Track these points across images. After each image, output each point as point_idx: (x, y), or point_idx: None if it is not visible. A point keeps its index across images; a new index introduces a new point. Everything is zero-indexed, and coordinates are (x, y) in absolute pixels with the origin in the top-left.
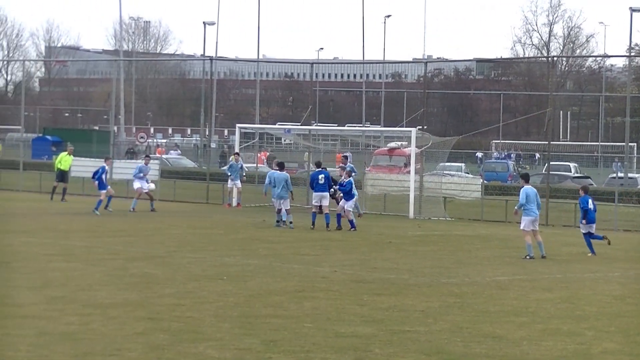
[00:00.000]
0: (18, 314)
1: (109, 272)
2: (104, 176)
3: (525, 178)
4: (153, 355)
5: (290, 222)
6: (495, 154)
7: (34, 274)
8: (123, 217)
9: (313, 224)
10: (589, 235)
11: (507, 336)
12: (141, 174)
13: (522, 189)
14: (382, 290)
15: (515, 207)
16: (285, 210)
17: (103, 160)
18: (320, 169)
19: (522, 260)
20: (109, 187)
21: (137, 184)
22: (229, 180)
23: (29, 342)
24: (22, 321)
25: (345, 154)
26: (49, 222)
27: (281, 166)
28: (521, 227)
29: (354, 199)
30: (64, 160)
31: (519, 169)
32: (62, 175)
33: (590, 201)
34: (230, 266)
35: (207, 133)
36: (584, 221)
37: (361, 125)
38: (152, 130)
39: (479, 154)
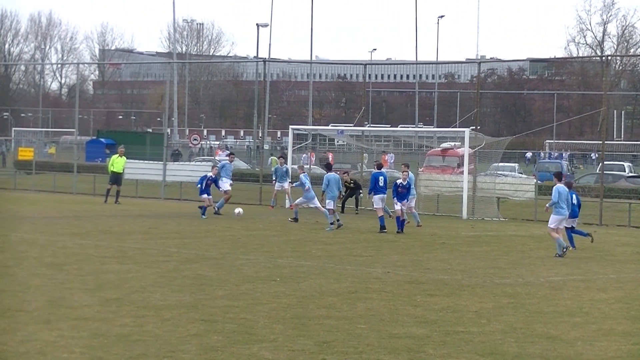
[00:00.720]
0: (72, 315)
1: (162, 274)
2: (206, 182)
3: (558, 177)
4: (207, 356)
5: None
6: (543, 154)
7: (88, 276)
8: (175, 220)
9: (383, 227)
10: (570, 230)
11: (561, 336)
12: (229, 173)
13: (554, 187)
14: (436, 291)
15: (547, 205)
16: (328, 210)
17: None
18: (380, 171)
19: (576, 259)
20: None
21: (226, 185)
22: (276, 183)
23: (83, 344)
24: (76, 323)
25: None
26: (103, 225)
27: (329, 167)
28: (549, 225)
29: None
30: (116, 162)
31: (573, 168)
32: (116, 178)
33: (574, 196)
34: (283, 268)
35: (260, 135)
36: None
37: (414, 125)
38: (205, 132)
39: (529, 154)
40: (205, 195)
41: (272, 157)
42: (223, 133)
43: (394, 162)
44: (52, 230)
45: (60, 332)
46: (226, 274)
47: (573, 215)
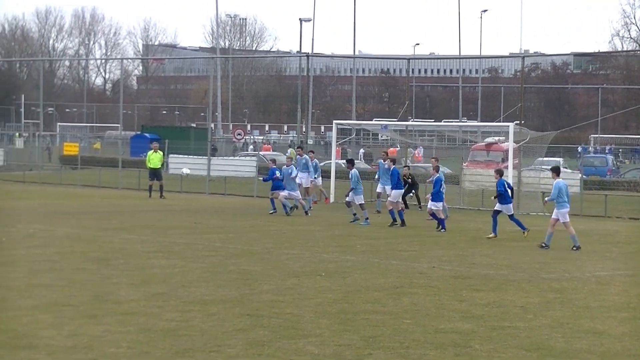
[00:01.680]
0: (119, 310)
1: (208, 268)
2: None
3: (556, 172)
4: (253, 351)
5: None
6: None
7: (134, 271)
8: (220, 215)
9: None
10: (496, 214)
11: (608, 332)
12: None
13: (554, 183)
14: (481, 286)
15: (546, 199)
16: (360, 205)
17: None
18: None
19: (623, 255)
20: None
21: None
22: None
23: (129, 339)
24: (123, 318)
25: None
26: (148, 219)
27: (352, 163)
28: (562, 221)
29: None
30: (151, 158)
31: (618, 163)
32: (154, 173)
33: (505, 184)
34: (328, 262)
35: (303, 129)
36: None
37: (458, 120)
38: (249, 127)
39: (580, 148)
40: (281, 191)
41: (290, 149)
42: (267, 128)
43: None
44: (98, 225)
45: (106, 327)
46: (271, 269)
47: (506, 202)
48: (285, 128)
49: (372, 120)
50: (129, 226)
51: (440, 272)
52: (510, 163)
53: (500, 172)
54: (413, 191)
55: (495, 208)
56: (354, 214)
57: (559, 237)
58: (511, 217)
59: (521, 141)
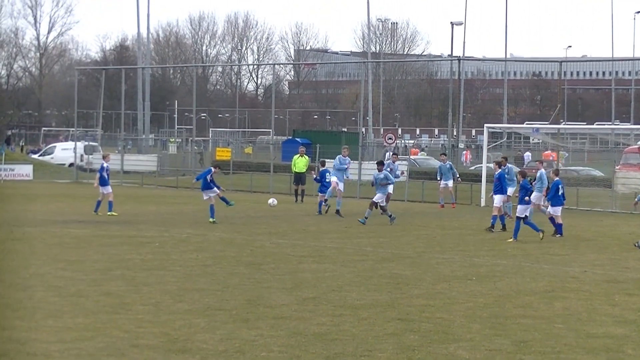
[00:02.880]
0: (270, 315)
1: (359, 272)
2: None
3: None
4: (404, 355)
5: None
6: None
7: (285, 275)
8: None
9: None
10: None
11: None
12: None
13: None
14: (635, 290)
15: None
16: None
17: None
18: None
19: None
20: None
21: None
22: (441, 181)
23: (281, 343)
24: (274, 322)
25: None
26: (299, 224)
27: (380, 164)
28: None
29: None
30: (297, 162)
31: None
32: (299, 178)
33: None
34: (479, 266)
35: (454, 133)
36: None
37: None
38: (399, 131)
39: None
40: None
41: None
42: (417, 132)
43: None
44: (250, 229)
45: (258, 331)
46: (422, 273)
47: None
48: (436, 132)
49: (523, 123)
50: (280, 230)
51: (592, 276)
52: None
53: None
54: None
55: (517, 213)
56: (390, 216)
57: None
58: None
59: None
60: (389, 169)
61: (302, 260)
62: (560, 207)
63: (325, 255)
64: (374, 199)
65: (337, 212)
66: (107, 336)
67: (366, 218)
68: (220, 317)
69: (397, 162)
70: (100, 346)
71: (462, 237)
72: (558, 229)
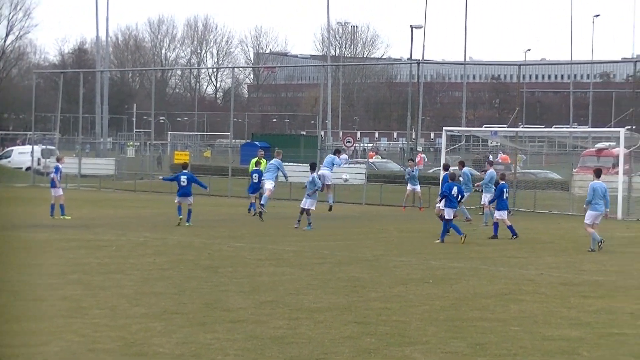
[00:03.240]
0: (228, 318)
1: (316, 276)
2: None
3: (597, 174)
4: (360, 358)
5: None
6: None
7: (243, 279)
8: (328, 222)
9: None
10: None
11: None
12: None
13: (589, 185)
14: (590, 293)
15: (584, 205)
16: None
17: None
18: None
19: None
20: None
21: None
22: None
23: (238, 347)
24: (231, 325)
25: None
26: (257, 227)
27: (312, 167)
28: (585, 221)
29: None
30: (254, 166)
31: None
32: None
33: (455, 188)
34: (436, 269)
35: (413, 136)
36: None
37: (568, 126)
38: (358, 134)
39: None
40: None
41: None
42: (376, 135)
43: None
44: (208, 233)
45: (215, 335)
46: (379, 276)
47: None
48: (395, 135)
49: (482, 126)
50: (239, 234)
51: (548, 279)
52: (620, 169)
53: (452, 177)
54: None
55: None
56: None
57: None
58: (449, 221)
59: (632, 146)
60: (331, 166)
61: (260, 263)
62: (505, 211)
63: (283, 258)
64: (302, 205)
65: (262, 206)
66: (63, 340)
67: (309, 223)
68: (177, 320)
69: (342, 156)
70: (56, 350)
71: (420, 240)
72: (510, 230)
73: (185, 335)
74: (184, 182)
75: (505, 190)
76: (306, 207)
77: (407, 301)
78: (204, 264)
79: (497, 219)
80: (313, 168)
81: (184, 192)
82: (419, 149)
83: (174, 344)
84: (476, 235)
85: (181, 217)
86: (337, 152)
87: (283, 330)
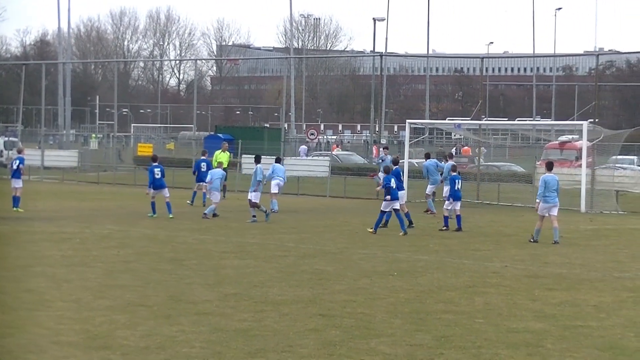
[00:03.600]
0: (192, 311)
1: (281, 268)
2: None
3: (549, 167)
4: (325, 351)
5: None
6: None
7: (208, 271)
8: (293, 215)
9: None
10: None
11: None
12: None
13: (541, 178)
14: (554, 285)
15: (536, 199)
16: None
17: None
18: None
19: None
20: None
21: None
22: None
23: (203, 339)
24: (196, 318)
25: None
26: (221, 220)
27: (256, 159)
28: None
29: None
30: (219, 157)
31: None
32: None
33: (393, 180)
34: (400, 262)
35: (377, 129)
36: (388, 197)
37: (532, 119)
38: (322, 126)
39: None
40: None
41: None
42: (340, 128)
43: None
44: (173, 225)
45: (180, 327)
46: (344, 269)
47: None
48: (359, 127)
49: (445, 119)
50: (203, 227)
51: (513, 272)
52: (583, 161)
53: (386, 170)
54: None
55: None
56: (264, 212)
57: (635, 235)
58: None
59: (595, 139)
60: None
61: (225, 256)
62: (459, 202)
63: (247, 251)
64: (250, 198)
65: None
66: (27, 333)
67: (266, 213)
68: (141, 313)
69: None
70: (20, 343)
71: (384, 232)
72: (445, 220)
73: (150, 328)
74: (157, 174)
75: (457, 181)
76: (252, 200)
77: (372, 294)
78: (169, 256)
79: (446, 209)
80: (258, 160)
81: (160, 184)
82: (383, 141)
83: (138, 337)
84: (441, 227)
85: (156, 215)
86: (278, 160)
87: (248, 323)
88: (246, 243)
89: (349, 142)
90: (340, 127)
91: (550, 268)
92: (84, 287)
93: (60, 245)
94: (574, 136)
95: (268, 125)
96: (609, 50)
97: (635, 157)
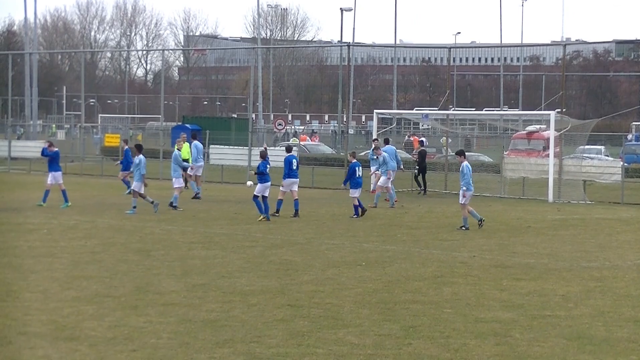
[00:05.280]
0: (160, 301)
1: (248, 259)
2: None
3: (461, 154)
4: (293, 341)
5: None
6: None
7: (175, 262)
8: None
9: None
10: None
11: None
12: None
13: (462, 166)
14: (522, 275)
15: (464, 189)
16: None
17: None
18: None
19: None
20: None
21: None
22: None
23: (170, 330)
24: (163, 309)
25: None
26: (189, 210)
27: (138, 148)
28: (462, 202)
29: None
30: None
31: None
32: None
33: (357, 168)
34: (368, 252)
35: (344, 119)
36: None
37: (499, 109)
38: (290, 117)
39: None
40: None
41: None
42: (308, 118)
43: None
44: (139, 216)
45: (147, 318)
46: (311, 259)
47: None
48: (327, 118)
49: (413, 109)
50: (170, 217)
51: (480, 262)
52: (551, 151)
53: (262, 155)
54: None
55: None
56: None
57: (602, 225)
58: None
59: (562, 129)
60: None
61: (192, 246)
62: (358, 190)
63: (214, 241)
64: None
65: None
66: None
67: (134, 207)
68: (108, 304)
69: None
70: None
71: (352, 223)
72: (355, 210)
73: (117, 319)
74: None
75: (357, 168)
76: (135, 190)
77: (340, 284)
78: (135, 247)
79: (351, 196)
80: (139, 149)
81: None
82: (351, 131)
83: (105, 328)
84: (409, 217)
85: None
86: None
87: (216, 314)
88: (213, 233)
89: (316, 132)
90: (308, 117)
91: (518, 258)
92: (51, 278)
93: (27, 236)
94: (542, 126)
95: (236, 116)
96: (576, 40)
97: (602, 147)
